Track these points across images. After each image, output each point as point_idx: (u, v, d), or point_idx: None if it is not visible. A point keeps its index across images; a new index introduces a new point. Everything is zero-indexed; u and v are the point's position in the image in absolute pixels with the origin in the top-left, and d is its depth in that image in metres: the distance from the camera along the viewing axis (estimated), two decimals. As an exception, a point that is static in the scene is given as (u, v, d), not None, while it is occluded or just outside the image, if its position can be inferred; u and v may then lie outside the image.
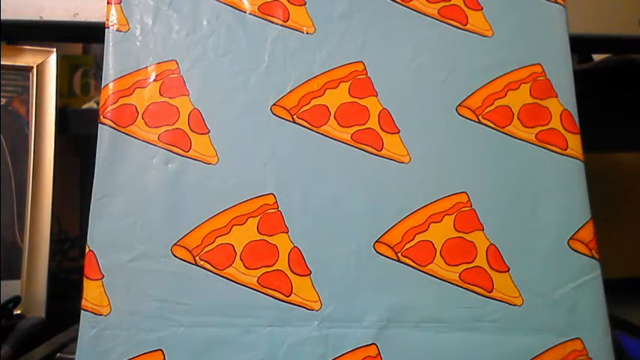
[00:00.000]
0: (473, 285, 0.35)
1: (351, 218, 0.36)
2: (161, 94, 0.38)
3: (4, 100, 0.54)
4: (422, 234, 0.35)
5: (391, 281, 0.35)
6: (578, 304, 0.34)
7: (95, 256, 0.35)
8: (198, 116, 0.37)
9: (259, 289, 0.34)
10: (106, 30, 0.39)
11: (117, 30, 0.39)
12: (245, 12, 0.39)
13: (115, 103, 0.37)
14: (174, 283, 0.34)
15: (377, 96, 0.38)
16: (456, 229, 0.36)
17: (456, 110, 0.38)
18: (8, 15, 0.50)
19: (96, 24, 0.48)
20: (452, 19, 0.39)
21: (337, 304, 0.34)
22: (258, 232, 0.35)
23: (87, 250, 0.35)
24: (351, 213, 0.36)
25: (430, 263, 0.35)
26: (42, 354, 0.45)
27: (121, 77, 0.38)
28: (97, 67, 0.71)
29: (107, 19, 0.39)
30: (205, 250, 0.35)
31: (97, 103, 0.63)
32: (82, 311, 0.34)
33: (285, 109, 0.37)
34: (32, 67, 0.54)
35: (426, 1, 0.40)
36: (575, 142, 0.37)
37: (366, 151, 0.37)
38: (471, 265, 0.35)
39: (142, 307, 0.34)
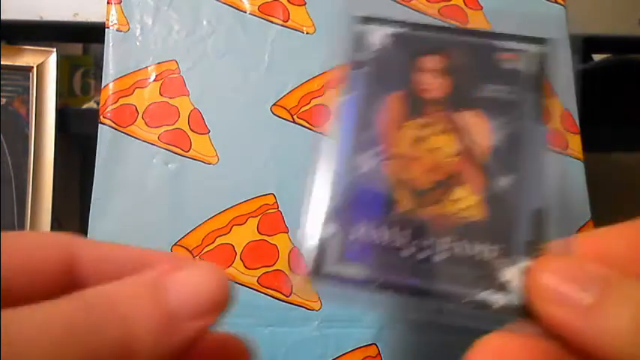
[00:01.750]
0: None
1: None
2: (161, 94, 0.38)
3: (4, 100, 0.54)
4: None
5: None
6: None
7: (95, 256, 0.35)
8: (198, 116, 0.37)
9: (259, 289, 0.34)
10: (106, 30, 0.39)
11: (117, 30, 0.39)
12: (245, 12, 0.39)
13: (115, 103, 0.37)
14: (174, 283, 0.34)
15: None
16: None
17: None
18: (8, 15, 0.50)
19: (96, 24, 0.48)
20: (452, 19, 0.39)
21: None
22: (258, 232, 0.35)
23: (87, 250, 0.35)
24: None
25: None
26: (42, 354, 0.45)
27: (121, 77, 0.38)
28: (97, 67, 0.71)
29: (107, 19, 0.39)
30: (205, 250, 0.35)
31: (97, 103, 0.63)
32: (82, 311, 0.34)
33: (285, 109, 0.37)
34: (32, 67, 0.54)
35: (426, 1, 0.40)
36: (575, 142, 0.37)
37: (366, 151, 0.37)
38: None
39: (142, 307, 0.34)
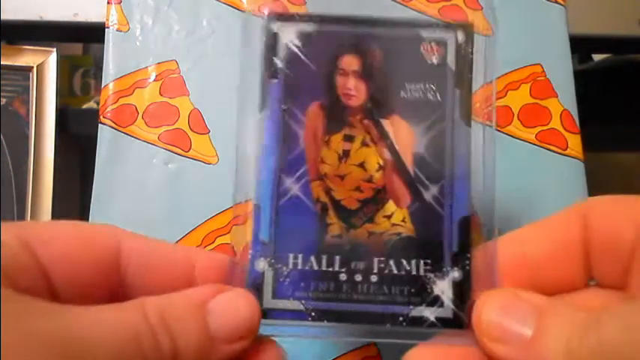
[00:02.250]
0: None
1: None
2: (161, 94, 0.38)
3: (4, 100, 0.54)
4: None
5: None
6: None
7: (95, 256, 0.35)
8: (198, 116, 0.37)
9: (259, 289, 0.34)
10: (106, 30, 0.39)
11: (117, 30, 0.39)
12: (245, 12, 0.39)
13: (115, 103, 0.37)
14: (174, 283, 0.34)
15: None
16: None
17: (456, 110, 0.38)
18: (8, 15, 0.50)
19: (96, 24, 0.48)
20: (452, 19, 0.39)
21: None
22: (258, 232, 0.35)
23: (87, 250, 0.35)
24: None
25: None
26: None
27: (121, 77, 0.38)
28: (97, 67, 0.71)
29: (107, 19, 0.39)
30: (205, 250, 0.35)
31: (97, 103, 0.63)
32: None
33: (285, 109, 0.37)
34: (32, 67, 0.54)
35: (426, 1, 0.40)
36: (575, 142, 0.37)
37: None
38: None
39: (142, 307, 0.34)
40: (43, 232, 0.19)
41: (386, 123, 0.24)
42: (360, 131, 0.24)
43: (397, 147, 0.24)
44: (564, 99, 0.38)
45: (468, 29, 0.25)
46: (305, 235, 0.23)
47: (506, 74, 0.38)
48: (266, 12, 0.24)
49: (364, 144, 0.24)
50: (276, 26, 0.24)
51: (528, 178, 0.37)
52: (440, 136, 0.24)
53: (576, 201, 0.36)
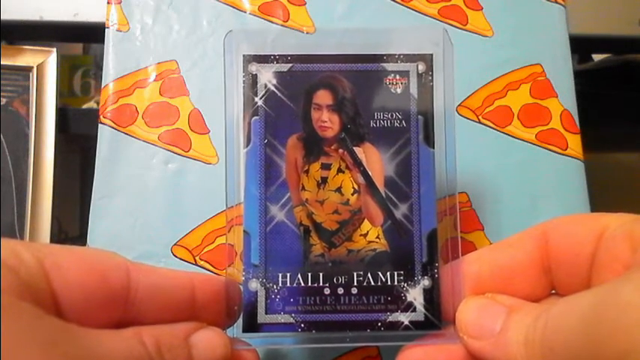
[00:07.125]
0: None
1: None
2: (161, 94, 0.38)
3: (4, 100, 0.54)
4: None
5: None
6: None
7: (95, 256, 0.35)
8: (198, 116, 0.37)
9: (259, 289, 0.34)
10: (106, 30, 0.39)
11: (117, 30, 0.39)
12: (245, 12, 0.39)
13: (115, 103, 0.37)
14: (174, 283, 0.34)
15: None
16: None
17: (456, 110, 0.38)
18: (8, 15, 0.50)
19: (96, 24, 0.48)
20: (452, 19, 0.39)
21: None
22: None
23: (87, 250, 0.35)
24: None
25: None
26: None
27: (121, 77, 0.38)
28: (97, 67, 0.71)
29: (107, 19, 0.39)
30: (205, 250, 0.35)
31: (97, 103, 0.63)
32: (82, 311, 0.34)
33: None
34: (32, 67, 0.54)
35: (426, 1, 0.40)
36: (575, 142, 0.37)
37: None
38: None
39: (142, 307, 0.34)
40: (59, 256, 0.20)
41: (358, 150, 0.27)
42: (336, 159, 0.27)
43: (369, 172, 0.26)
44: (564, 99, 0.38)
45: (427, 60, 0.27)
46: (291, 256, 0.26)
47: (506, 74, 0.38)
48: (244, 55, 0.26)
49: (340, 171, 0.27)
50: (254, 68, 0.26)
51: (528, 178, 0.37)
52: (406, 159, 0.26)
53: (576, 201, 0.36)
